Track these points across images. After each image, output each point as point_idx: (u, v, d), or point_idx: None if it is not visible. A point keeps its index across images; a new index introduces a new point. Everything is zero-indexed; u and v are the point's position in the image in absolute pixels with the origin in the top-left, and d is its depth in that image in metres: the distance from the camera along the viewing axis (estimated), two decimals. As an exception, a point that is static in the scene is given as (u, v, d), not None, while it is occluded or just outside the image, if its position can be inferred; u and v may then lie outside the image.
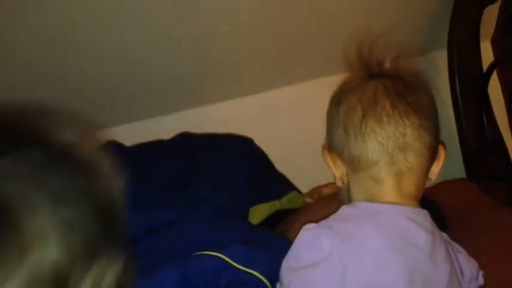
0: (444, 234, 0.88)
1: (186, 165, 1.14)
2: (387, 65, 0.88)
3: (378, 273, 0.78)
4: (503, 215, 1.22)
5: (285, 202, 1.21)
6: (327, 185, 1.20)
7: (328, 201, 1.07)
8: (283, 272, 0.81)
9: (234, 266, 0.83)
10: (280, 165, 1.32)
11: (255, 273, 0.84)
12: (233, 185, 1.13)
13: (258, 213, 1.16)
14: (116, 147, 1.18)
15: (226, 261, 0.83)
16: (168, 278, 0.79)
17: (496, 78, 1.55)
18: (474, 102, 1.44)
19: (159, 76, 1.35)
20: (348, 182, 0.86)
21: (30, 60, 1.17)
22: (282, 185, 1.27)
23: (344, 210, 0.85)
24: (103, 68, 1.26)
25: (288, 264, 0.81)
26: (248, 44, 1.35)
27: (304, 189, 1.29)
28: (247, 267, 0.84)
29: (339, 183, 0.87)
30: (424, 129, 0.81)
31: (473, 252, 0.93)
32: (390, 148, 0.80)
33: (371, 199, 0.84)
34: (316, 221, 0.84)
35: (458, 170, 1.47)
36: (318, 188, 1.23)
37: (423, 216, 0.83)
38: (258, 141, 1.32)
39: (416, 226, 0.81)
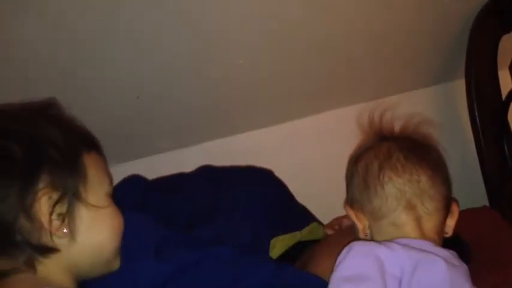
0: None
1: (207, 200, 1.15)
2: (397, 129, 0.97)
3: None
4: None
5: (305, 233, 1.21)
6: (347, 216, 1.20)
7: (349, 233, 1.08)
8: (334, 282, 0.81)
9: None
10: (300, 196, 1.32)
11: None
12: (254, 218, 1.13)
13: (279, 244, 1.16)
14: (138, 181, 1.20)
15: None
16: None
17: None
18: (494, 130, 1.44)
19: (179, 109, 1.37)
20: (371, 232, 0.90)
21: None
22: (303, 216, 1.27)
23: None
24: (123, 101, 1.29)
25: (339, 274, 0.81)
26: (265, 77, 1.37)
27: (325, 220, 1.29)
28: None
29: (362, 235, 0.91)
30: (436, 179, 0.88)
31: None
32: (408, 194, 0.87)
33: None
34: (338, 253, 0.85)
35: (481, 198, 1.46)
36: (338, 219, 1.23)
37: (456, 256, 0.86)
38: (278, 172, 1.32)
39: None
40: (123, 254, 0.93)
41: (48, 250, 0.75)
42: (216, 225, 1.09)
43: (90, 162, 0.82)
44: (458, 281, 0.81)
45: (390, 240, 0.85)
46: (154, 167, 1.39)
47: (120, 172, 1.27)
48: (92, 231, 0.80)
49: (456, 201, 0.93)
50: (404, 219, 0.87)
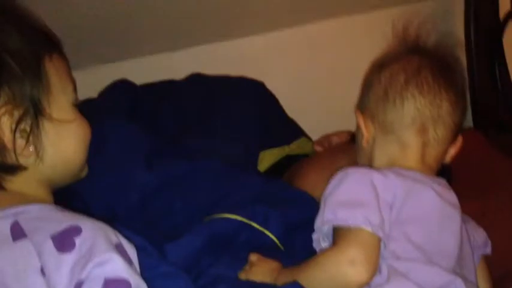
0: None
1: (197, 111, 1.14)
2: (431, 44, 0.92)
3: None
4: (509, 166, 1.23)
5: (294, 147, 1.22)
6: (336, 134, 1.21)
7: (338, 152, 1.08)
8: (329, 207, 0.80)
9: (252, 226, 0.88)
10: (289, 109, 1.31)
11: (269, 233, 0.88)
12: (244, 130, 1.13)
13: (268, 157, 1.17)
14: (127, 86, 1.18)
15: (246, 223, 0.87)
16: (193, 245, 0.82)
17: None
18: (488, 51, 1.42)
19: (169, 10, 1.32)
20: (373, 144, 0.89)
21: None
22: (292, 130, 1.27)
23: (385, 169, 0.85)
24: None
25: (335, 198, 0.81)
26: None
27: (313, 135, 1.29)
28: (263, 227, 0.88)
29: (365, 144, 0.89)
30: (457, 107, 0.86)
31: (476, 214, 0.96)
32: (425, 116, 0.85)
33: (393, 164, 0.86)
34: (327, 170, 0.87)
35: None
36: (328, 136, 1.23)
37: (447, 186, 0.86)
38: (268, 82, 1.30)
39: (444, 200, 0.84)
40: (113, 163, 0.93)
41: (14, 169, 0.71)
42: (207, 136, 1.09)
43: (51, 68, 0.75)
44: (447, 210, 0.83)
45: (385, 164, 0.86)
46: (141, 69, 1.36)
47: (108, 73, 1.24)
48: (59, 146, 0.75)
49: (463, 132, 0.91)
50: (412, 141, 0.85)
